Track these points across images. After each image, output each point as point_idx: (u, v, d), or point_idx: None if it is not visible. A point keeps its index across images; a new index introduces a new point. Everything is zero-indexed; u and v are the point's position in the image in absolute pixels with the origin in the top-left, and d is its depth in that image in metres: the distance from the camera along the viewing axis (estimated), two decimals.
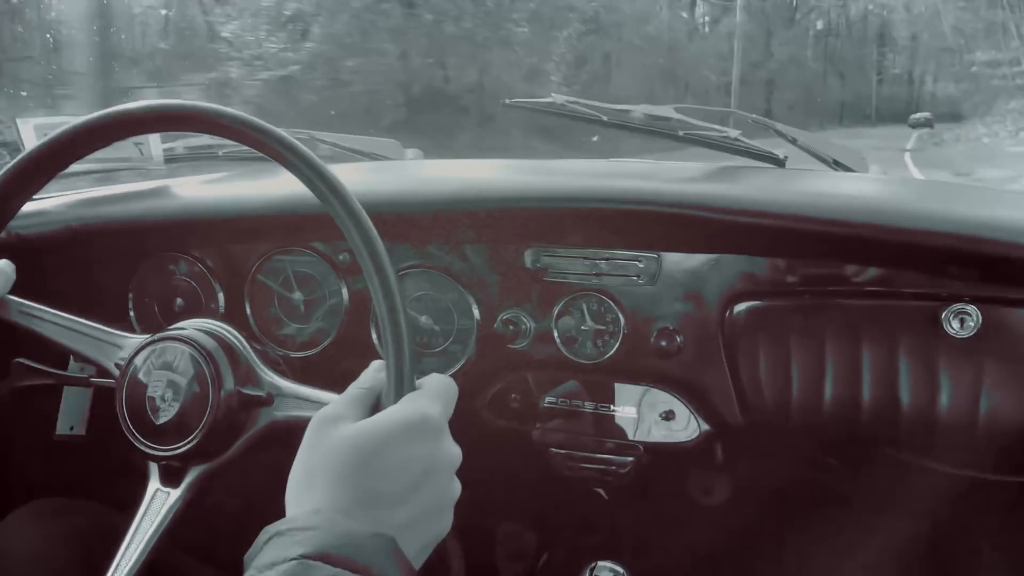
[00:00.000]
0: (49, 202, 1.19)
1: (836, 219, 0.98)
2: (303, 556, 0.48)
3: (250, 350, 0.83)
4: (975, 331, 0.98)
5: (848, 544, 1.51)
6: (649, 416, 1.16)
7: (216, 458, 0.80)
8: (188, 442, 0.78)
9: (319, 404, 0.73)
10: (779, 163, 1.31)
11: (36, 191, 0.81)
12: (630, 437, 1.17)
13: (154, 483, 0.81)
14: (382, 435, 0.57)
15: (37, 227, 1.13)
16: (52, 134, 0.76)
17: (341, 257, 1.20)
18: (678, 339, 1.12)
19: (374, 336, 1.21)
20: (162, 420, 0.78)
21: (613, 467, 1.20)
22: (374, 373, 0.67)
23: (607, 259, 1.14)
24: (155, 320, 1.27)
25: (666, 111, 1.35)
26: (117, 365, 0.82)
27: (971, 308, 0.98)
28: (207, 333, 0.82)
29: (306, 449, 0.58)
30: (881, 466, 1.28)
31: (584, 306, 1.16)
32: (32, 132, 1.20)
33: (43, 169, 0.79)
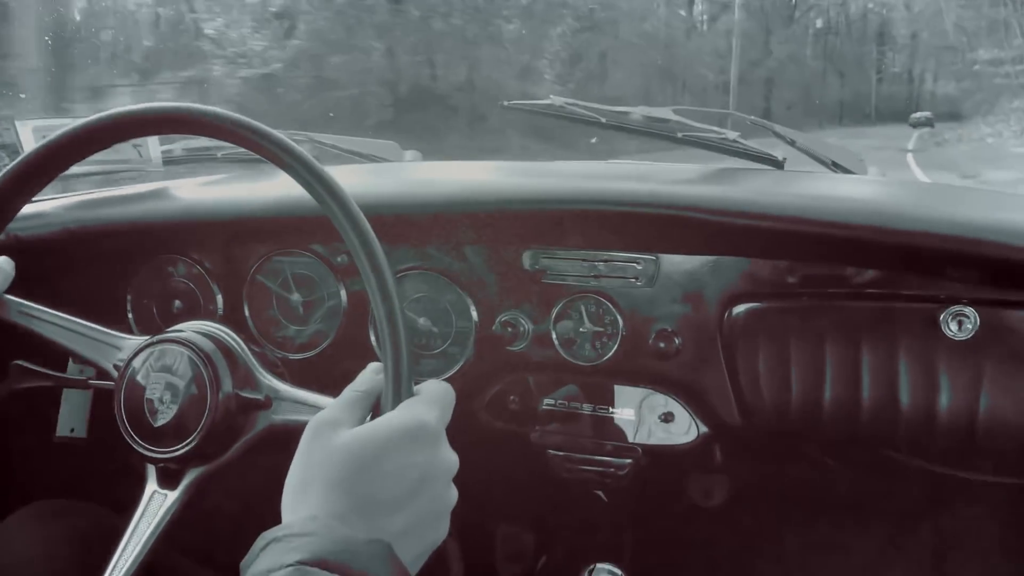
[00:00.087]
0: (48, 204, 1.19)
1: (834, 221, 0.98)
2: (300, 562, 0.48)
3: (248, 353, 0.83)
4: (973, 333, 0.98)
5: (847, 545, 1.51)
6: (648, 418, 1.16)
7: (214, 461, 0.80)
8: (186, 445, 0.78)
9: (317, 408, 0.73)
10: (777, 165, 1.31)
11: (35, 193, 0.81)
12: (629, 439, 1.17)
13: (151, 485, 0.81)
14: (379, 442, 0.57)
15: (36, 229, 1.13)
16: (51, 136, 0.76)
17: (340, 259, 1.20)
18: (676, 341, 1.12)
19: (372, 338, 1.21)
20: (160, 422, 0.78)
21: (612, 469, 1.20)
22: (371, 375, 0.66)
23: (605, 261, 1.14)
24: (154, 322, 1.27)
25: (664, 113, 1.35)
26: (116, 366, 0.82)
27: (969, 310, 0.98)
28: (206, 336, 0.82)
29: (302, 455, 0.58)
30: (880, 467, 1.28)
31: (583, 308, 1.16)
32: (31, 134, 1.20)
33: (42, 171, 0.79)
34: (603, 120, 1.37)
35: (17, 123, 1.22)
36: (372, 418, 0.63)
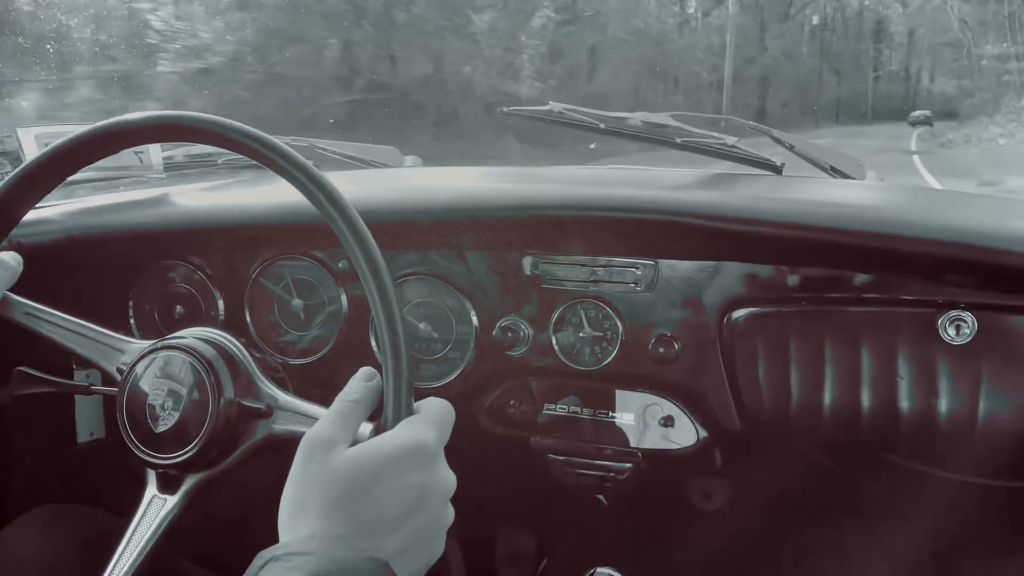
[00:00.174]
0: (50, 210, 1.19)
1: (833, 227, 0.99)
2: None
3: (250, 360, 0.83)
4: (971, 337, 0.99)
5: (848, 549, 1.51)
6: (648, 422, 1.16)
7: (213, 467, 0.80)
8: (187, 451, 0.78)
9: (316, 420, 0.73)
10: (776, 170, 1.32)
11: (38, 200, 0.82)
12: (629, 443, 1.17)
13: (151, 489, 0.81)
14: (377, 463, 0.57)
15: (38, 235, 1.13)
16: (54, 144, 0.77)
17: (340, 264, 1.20)
18: (676, 346, 1.13)
19: (373, 343, 1.22)
20: (161, 428, 0.79)
21: (612, 473, 1.20)
22: (362, 383, 0.66)
23: (605, 266, 1.14)
24: (155, 327, 1.27)
25: (663, 118, 1.36)
26: (119, 370, 0.83)
27: (967, 315, 0.99)
28: (208, 342, 0.82)
29: (298, 474, 0.58)
30: (880, 471, 1.28)
31: (582, 313, 1.16)
32: (33, 142, 1.21)
33: (45, 178, 0.80)
34: (601, 126, 1.38)
35: (19, 131, 1.23)
36: (373, 429, 0.63)
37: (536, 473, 1.23)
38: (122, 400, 0.80)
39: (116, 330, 0.87)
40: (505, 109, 1.51)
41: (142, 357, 0.81)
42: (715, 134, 1.33)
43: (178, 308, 1.27)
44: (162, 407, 0.79)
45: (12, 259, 0.84)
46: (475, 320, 1.18)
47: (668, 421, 1.15)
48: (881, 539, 1.50)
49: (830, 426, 1.09)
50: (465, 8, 16.42)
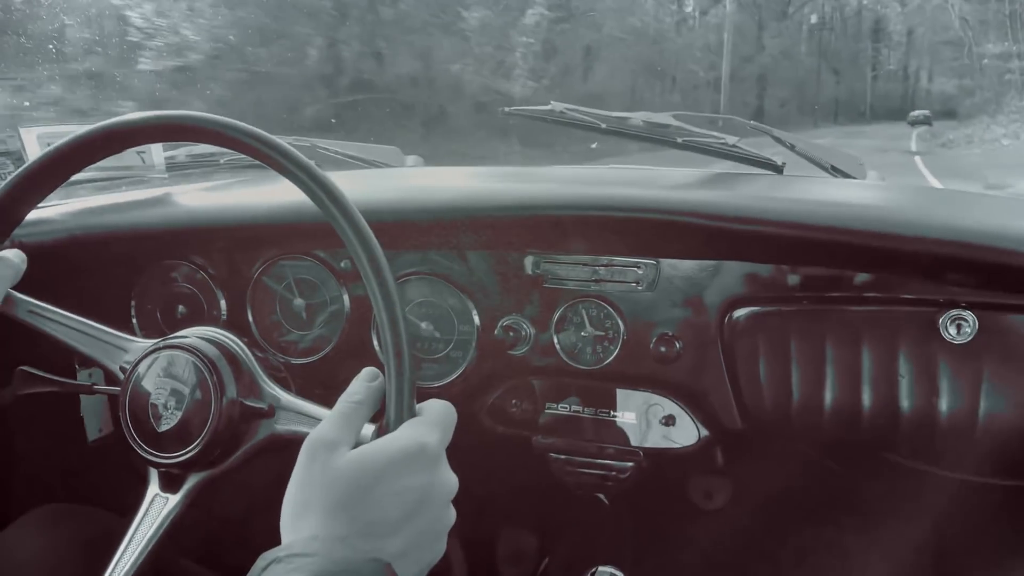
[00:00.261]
0: (52, 210, 1.19)
1: (834, 226, 0.99)
2: None
3: (253, 359, 0.83)
4: (972, 336, 0.99)
5: (848, 548, 1.51)
6: (649, 421, 1.16)
7: (216, 467, 0.80)
8: (189, 450, 0.78)
9: (318, 420, 0.74)
10: (777, 169, 1.32)
11: (40, 200, 0.82)
12: (630, 442, 1.17)
13: (153, 488, 0.82)
14: (379, 466, 0.57)
15: (40, 235, 1.13)
16: (56, 144, 0.77)
17: (343, 264, 1.21)
18: (677, 345, 1.13)
19: (375, 342, 1.22)
20: (164, 427, 0.79)
21: (613, 472, 1.20)
22: (365, 384, 0.66)
23: (606, 266, 1.14)
24: (158, 327, 1.28)
25: (664, 118, 1.36)
26: (122, 368, 0.83)
27: (968, 314, 0.99)
28: (211, 342, 0.82)
29: (301, 475, 0.58)
30: (881, 470, 1.28)
31: (584, 312, 1.16)
32: (35, 141, 1.21)
33: (47, 178, 0.80)
34: (603, 125, 1.38)
35: (21, 130, 1.23)
36: (376, 431, 0.63)
37: (538, 472, 1.24)
38: (125, 399, 0.80)
39: (118, 330, 0.87)
40: (506, 109, 1.51)
41: (145, 356, 0.81)
42: (716, 134, 1.33)
43: (180, 308, 1.27)
44: (165, 406, 0.79)
45: (16, 256, 0.84)
46: (477, 319, 1.19)
47: (669, 420, 1.15)
48: (881, 538, 1.50)
49: (831, 425, 1.09)
50: (455, 5, 15.89)
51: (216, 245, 1.24)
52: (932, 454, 1.16)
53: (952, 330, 1.00)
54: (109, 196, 1.29)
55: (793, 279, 1.08)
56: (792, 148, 1.40)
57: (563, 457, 1.22)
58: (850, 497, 1.51)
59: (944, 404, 1.02)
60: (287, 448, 0.73)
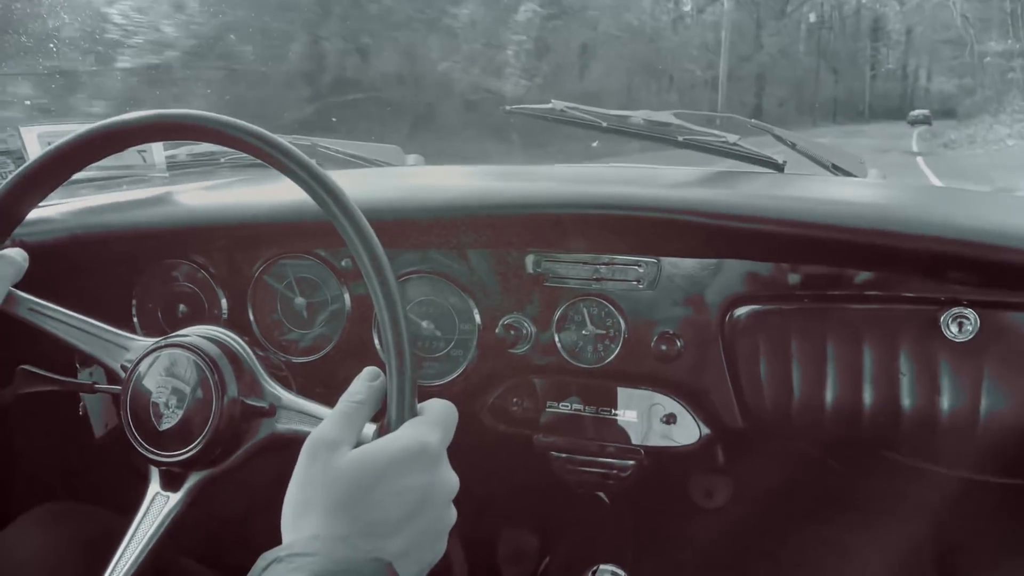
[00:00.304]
0: (52, 209, 1.19)
1: (835, 224, 0.99)
2: None
3: (254, 358, 0.83)
4: (973, 335, 0.99)
5: (849, 546, 1.51)
6: (650, 420, 1.16)
7: (217, 465, 0.80)
8: (190, 449, 0.78)
9: (319, 419, 0.73)
10: (778, 168, 1.32)
11: (41, 199, 0.82)
12: (631, 441, 1.17)
13: (154, 487, 0.82)
14: (380, 465, 0.57)
15: (41, 234, 1.13)
16: (57, 143, 0.77)
17: (344, 263, 1.21)
18: (678, 343, 1.13)
19: (376, 341, 1.22)
20: (165, 426, 0.79)
21: (614, 471, 1.20)
22: (366, 384, 0.66)
23: (607, 264, 1.14)
24: (159, 326, 1.28)
25: (665, 117, 1.36)
26: (123, 367, 0.83)
27: (969, 312, 0.99)
28: (212, 340, 0.82)
29: (301, 475, 0.58)
30: (882, 469, 1.28)
31: (585, 311, 1.16)
32: (36, 140, 1.21)
33: (48, 177, 0.80)
34: (604, 124, 1.38)
35: (22, 129, 1.23)
36: (377, 430, 0.63)
37: (539, 471, 1.24)
38: (126, 398, 0.80)
39: (120, 329, 0.87)
40: (508, 107, 1.51)
41: (146, 355, 0.81)
42: (717, 132, 1.33)
43: (181, 307, 1.27)
44: (166, 405, 0.79)
45: (18, 255, 0.84)
46: (478, 318, 1.19)
47: (670, 419, 1.15)
48: (882, 536, 1.50)
49: (832, 423, 1.09)
50: (441, 1, 15.23)
51: (217, 244, 1.24)
52: (933, 452, 1.16)
53: (953, 328, 0.99)
54: (110, 195, 1.29)
55: (794, 277, 1.08)
56: (793, 147, 1.40)
57: (564, 456, 1.22)
58: (851, 495, 1.51)
59: (945, 402, 1.02)
60: (288, 447, 0.73)
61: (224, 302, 1.25)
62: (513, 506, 1.61)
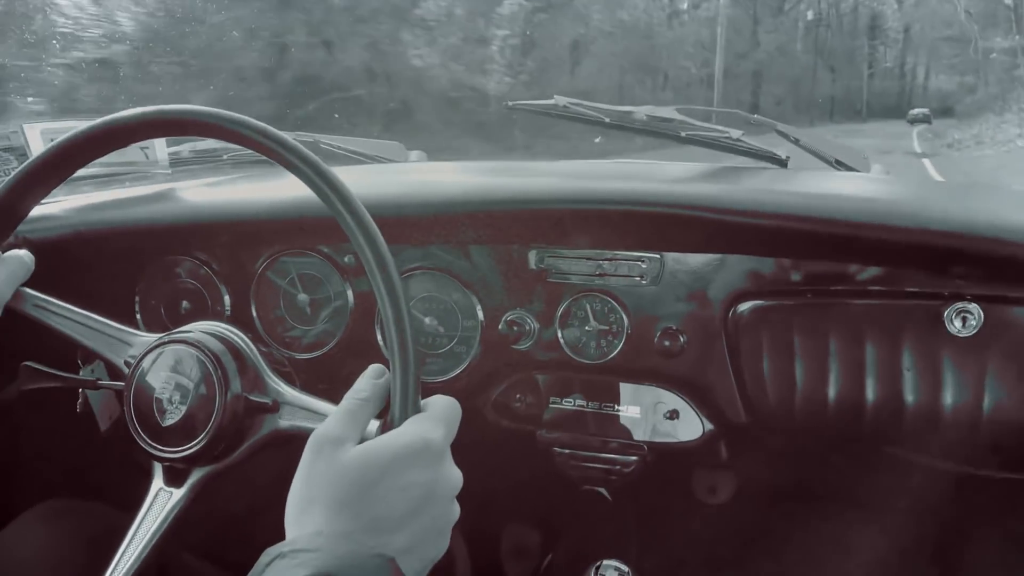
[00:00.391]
0: (55, 206, 1.19)
1: (839, 219, 0.99)
2: None
3: (257, 354, 0.83)
4: (977, 329, 0.99)
5: (853, 542, 1.51)
6: (653, 416, 1.16)
7: (220, 461, 0.80)
8: (193, 445, 0.78)
9: (322, 416, 0.73)
10: (781, 163, 1.32)
11: (44, 196, 0.82)
12: (634, 437, 1.17)
13: (157, 482, 0.82)
14: (384, 461, 0.57)
15: (44, 231, 1.13)
16: (59, 139, 0.77)
17: (346, 259, 1.21)
18: (682, 339, 1.13)
19: (379, 337, 1.22)
20: (168, 422, 0.79)
21: (618, 466, 1.20)
22: (371, 381, 0.66)
23: (610, 260, 1.14)
24: (161, 323, 1.28)
25: (668, 112, 1.36)
26: (127, 363, 0.83)
27: (973, 307, 0.99)
28: (215, 336, 0.82)
29: (305, 471, 0.59)
30: (885, 464, 1.28)
31: (588, 307, 1.16)
32: (39, 137, 1.21)
33: (51, 174, 0.80)
34: (607, 120, 1.38)
35: (25, 126, 1.23)
36: (380, 427, 0.63)
37: (542, 467, 1.24)
38: (129, 394, 0.81)
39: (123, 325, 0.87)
40: (509, 103, 1.51)
41: (150, 351, 0.81)
42: (720, 128, 1.33)
43: (184, 303, 1.28)
44: (169, 401, 0.79)
45: (27, 257, 0.85)
46: (481, 314, 1.19)
47: (674, 414, 1.15)
48: (885, 532, 1.50)
49: (835, 419, 1.09)
50: None
51: (220, 240, 1.24)
52: (936, 448, 1.16)
53: (957, 323, 0.99)
54: (113, 192, 1.29)
55: (797, 272, 1.08)
56: (796, 142, 1.40)
57: (567, 452, 1.22)
58: (854, 491, 1.51)
59: (948, 398, 1.02)
60: (291, 443, 0.73)
61: (227, 298, 1.25)
62: (516, 502, 1.61)
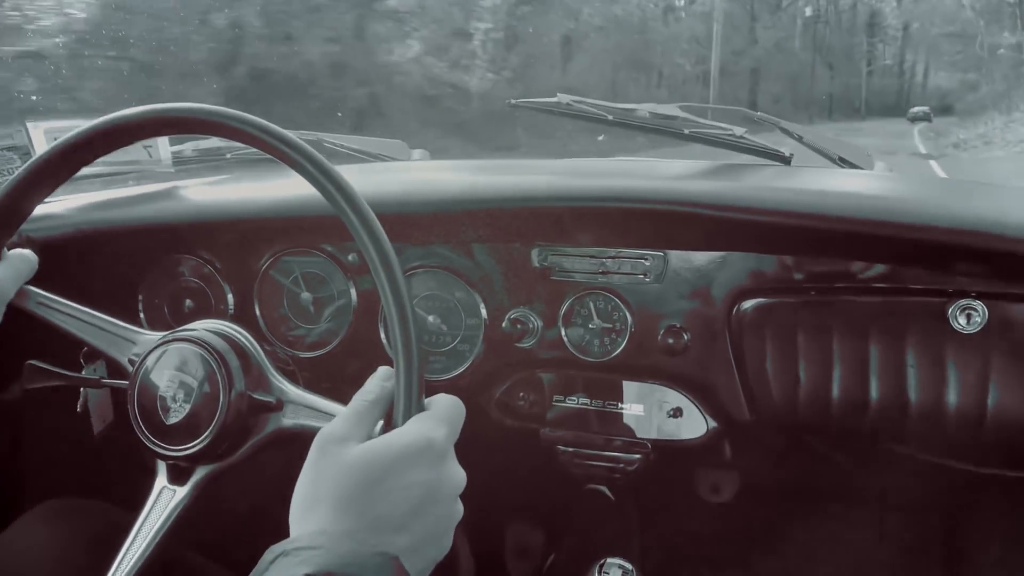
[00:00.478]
0: (59, 205, 1.20)
1: (843, 216, 0.99)
2: (308, 575, 0.49)
3: (261, 353, 0.83)
4: (982, 326, 0.99)
5: (856, 540, 1.51)
6: (657, 414, 1.16)
7: (223, 460, 0.80)
8: (197, 443, 0.78)
9: (326, 415, 0.74)
10: (785, 161, 1.32)
11: (48, 195, 0.82)
12: (638, 435, 1.17)
13: (161, 480, 0.82)
14: (386, 460, 0.57)
15: (47, 230, 1.14)
16: (63, 138, 0.77)
17: (350, 257, 1.21)
18: (685, 337, 1.13)
19: (383, 336, 1.22)
20: (172, 420, 0.79)
21: (621, 464, 1.20)
22: (380, 383, 0.66)
23: (614, 258, 1.14)
24: (165, 321, 1.28)
25: (671, 109, 1.36)
26: (131, 361, 0.83)
27: (977, 304, 0.98)
28: (220, 335, 0.82)
29: (311, 469, 0.59)
30: (889, 462, 1.28)
31: (591, 305, 1.16)
32: (42, 136, 1.21)
33: (54, 173, 0.80)
34: (610, 117, 1.38)
35: (28, 125, 1.23)
36: (384, 428, 0.63)
37: (545, 465, 1.24)
38: (133, 392, 0.81)
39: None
40: (512, 101, 1.50)
41: (154, 349, 0.81)
42: (723, 125, 1.33)
43: (188, 302, 1.28)
44: (173, 399, 0.79)
45: (31, 255, 0.86)
46: (484, 312, 1.19)
47: (677, 412, 1.15)
48: (890, 530, 1.50)
49: (839, 416, 1.08)
50: None
51: (223, 239, 1.24)
52: (941, 446, 1.16)
53: (962, 320, 0.99)
54: (116, 191, 1.29)
55: (800, 270, 1.08)
56: (800, 139, 1.39)
57: (571, 450, 1.22)
58: (858, 489, 1.51)
59: (953, 395, 1.02)
60: (294, 442, 0.73)
61: (230, 297, 1.26)
62: (520, 500, 1.61)
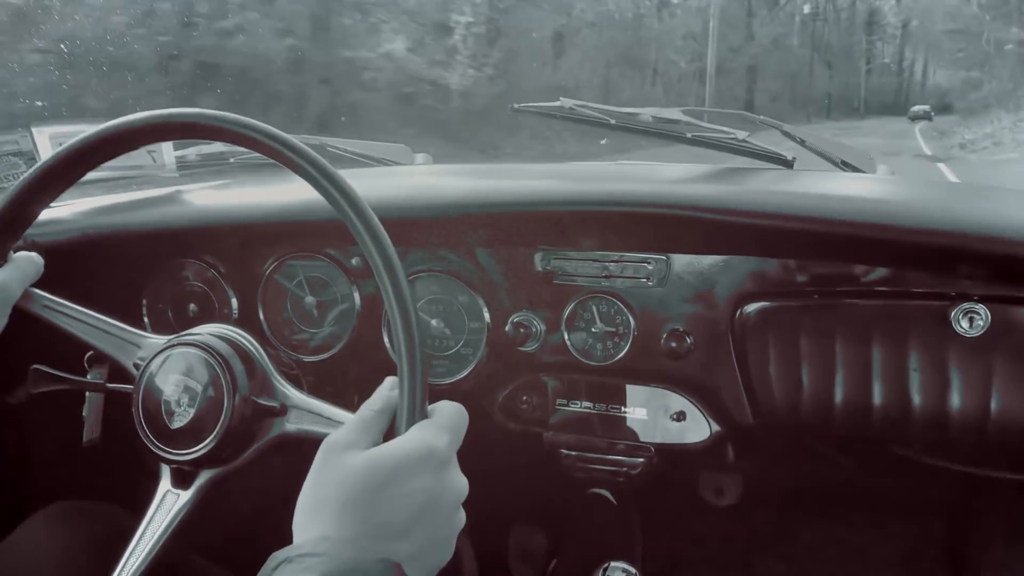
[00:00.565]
0: (64, 210, 1.20)
1: (845, 220, 0.99)
2: None
3: (265, 357, 0.83)
4: (984, 330, 0.99)
5: (860, 543, 1.51)
6: (660, 417, 1.16)
7: (227, 464, 0.80)
8: (201, 448, 0.78)
9: (330, 420, 0.74)
10: (787, 164, 1.32)
11: (53, 199, 0.83)
12: (641, 438, 1.17)
13: (165, 484, 0.82)
14: (388, 468, 0.57)
15: (52, 234, 1.14)
16: (68, 143, 0.77)
17: (353, 262, 1.21)
18: (688, 340, 1.13)
19: (386, 340, 1.22)
20: (177, 424, 0.79)
21: (624, 468, 1.20)
22: (386, 392, 0.66)
23: (617, 261, 1.14)
24: (169, 326, 1.28)
25: (673, 113, 1.36)
26: (136, 365, 0.83)
27: (980, 307, 0.98)
28: (224, 339, 0.83)
29: (315, 476, 0.59)
30: (892, 465, 1.28)
31: (594, 308, 1.16)
32: (47, 141, 1.22)
33: (59, 178, 0.80)
34: (612, 121, 1.38)
35: (33, 130, 1.24)
36: (387, 436, 0.64)
37: (549, 468, 1.24)
38: (138, 396, 0.81)
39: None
40: (515, 106, 1.51)
41: (158, 353, 0.82)
42: (725, 129, 1.33)
43: (192, 306, 1.28)
44: (178, 403, 0.79)
45: (37, 257, 0.87)
46: (487, 316, 1.19)
47: (680, 416, 1.15)
48: (893, 533, 1.50)
49: (842, 420, 1.08)
50: None
51: (227, 243, 1.24)
52: (944, 449, 1.16)
53: (964, 323, 0.99)
54: (120, 195, 1.30)
55: (803, 273, 1.08)
56: (802, 143, 1.40)
57: (574, 453, 1.22)
58: (861, 493, 1.51)
59: (956, 398, 1.02)
60: (298, 447, 0.73)
61: (234, 301, 1.26)
62: (523, 504, 1.61)
